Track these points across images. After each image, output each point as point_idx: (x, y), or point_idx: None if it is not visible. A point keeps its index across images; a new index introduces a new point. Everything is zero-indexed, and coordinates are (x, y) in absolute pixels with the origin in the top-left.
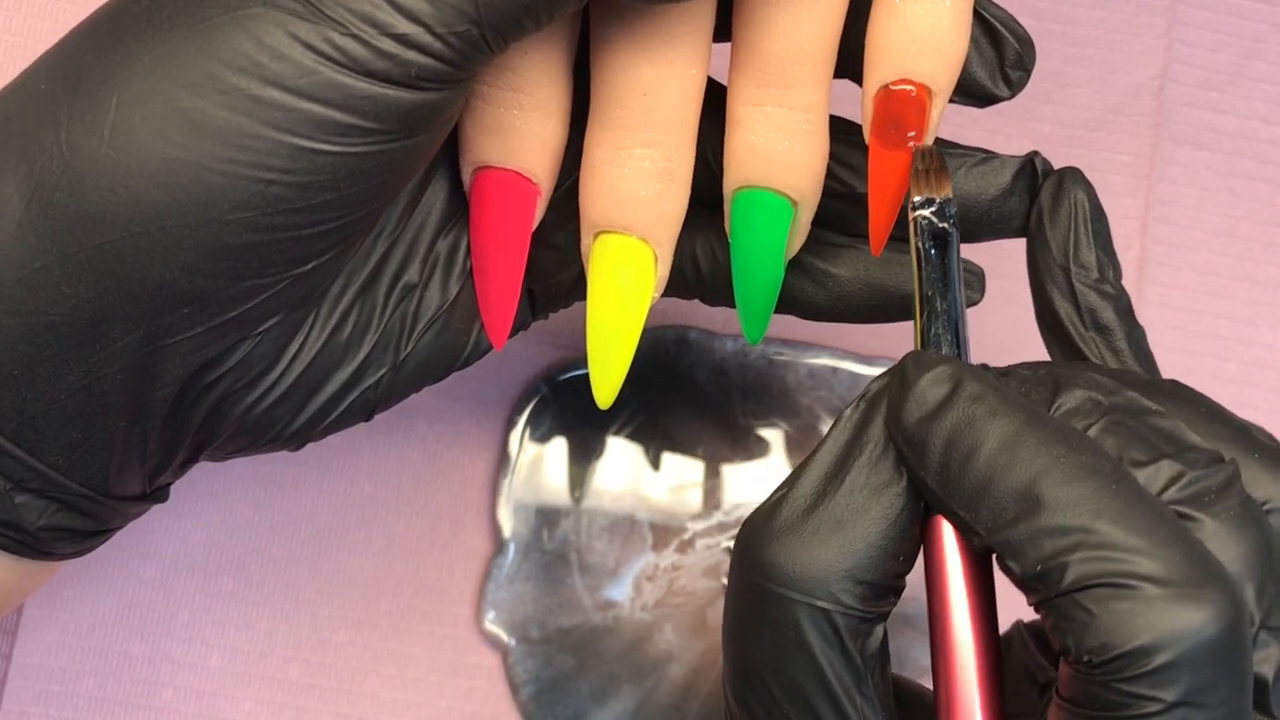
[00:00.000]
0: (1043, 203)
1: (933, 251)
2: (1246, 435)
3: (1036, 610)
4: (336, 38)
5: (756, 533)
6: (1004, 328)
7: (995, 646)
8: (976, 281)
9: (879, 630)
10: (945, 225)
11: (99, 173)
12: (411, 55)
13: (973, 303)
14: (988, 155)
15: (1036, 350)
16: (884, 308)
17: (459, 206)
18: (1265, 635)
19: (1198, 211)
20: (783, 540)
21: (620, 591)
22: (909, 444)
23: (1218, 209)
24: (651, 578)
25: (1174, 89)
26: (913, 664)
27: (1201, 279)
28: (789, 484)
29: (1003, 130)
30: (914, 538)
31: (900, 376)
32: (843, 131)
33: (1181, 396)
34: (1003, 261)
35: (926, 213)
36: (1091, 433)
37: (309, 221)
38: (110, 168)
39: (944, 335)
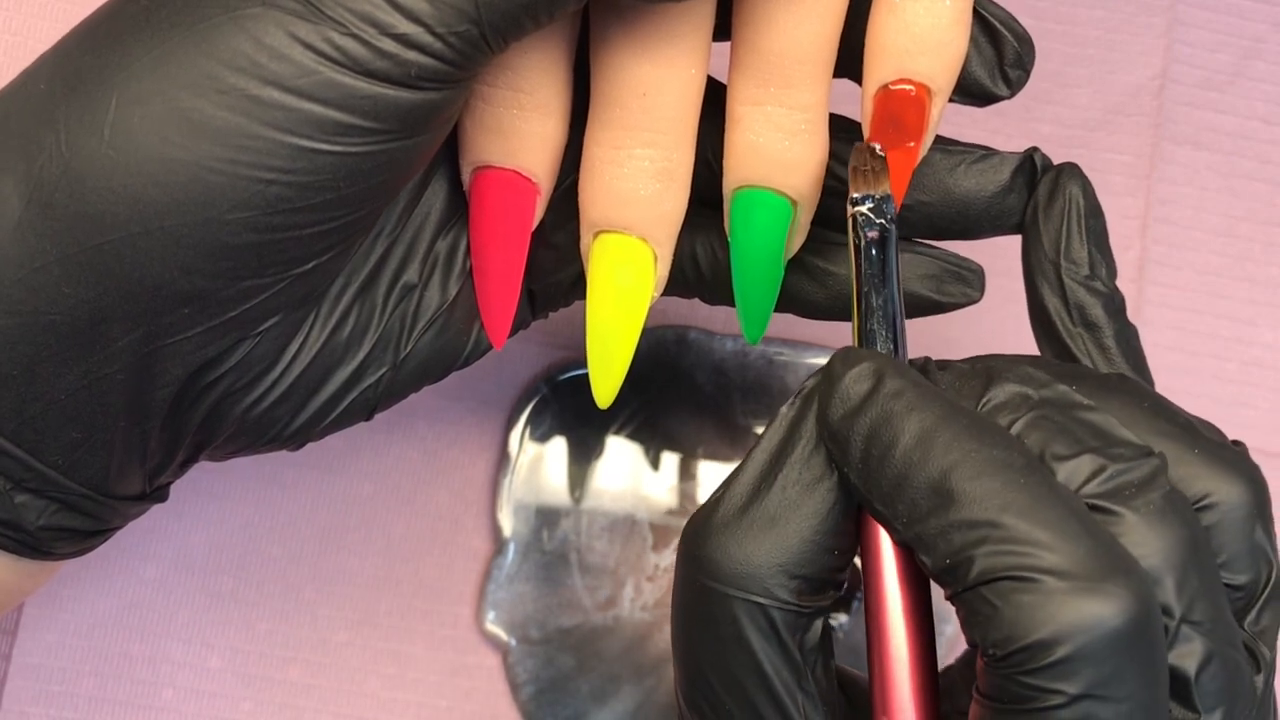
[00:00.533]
0: (1039, 197)
1: (872, 250)
2: (1190, 431)
3: (951, 604)
4: (336, 37)
5: (696, 530)
6: (1003, 327)
7: (929, 639)
8: (976, 280)
9: (818, 625)
10: (882, 221)
11: (98, 173)
12: (412, 55)
13: (972, 301)
14: (987, 152)
15: (1033, 347)
16: None
17: (459, 206)
18: (1187, 629)
19: (1198, 211)
20: (719, 537)
21: (620, 591)
22: (834, 439)
23: (1218, 209)
24: (651, 578)
25: (1174, 89)
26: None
27: (1201, 279)
28: (727, 483)
29: (1003, 130)
30: (849, 533)
31: (828, 373)
32: (842, 130)
33: (1124, 391)
34: (1001, 260)
35: (864, 209)
36: (1016, 427)
37: (309, 221)
38: (109, 168)
39: (880, 331)
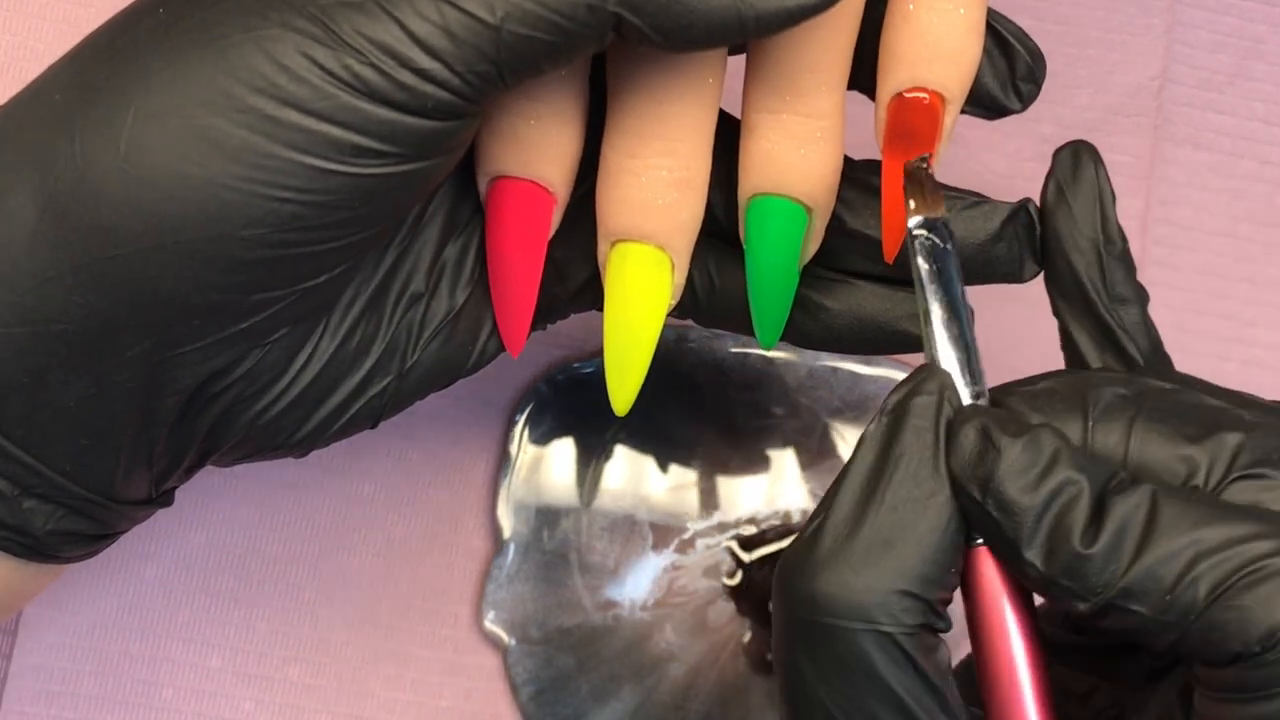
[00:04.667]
0: (1060, 175)
1: (938, 272)
2: (1249, 402)
3: (1169, 647)
4: (355, 65)
5: (799, 567)
6: (1004, 328)
7: (1046, 667)
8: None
9: (944, 646)
10: (946, 245)
11: (114, 186)
12: (429, 89)
13: None
14: (979, 199)
15: (1035, 347)
16: (874, 341)
17: (466, 215)
18: None
19: (1198, 212)
20: (830, 569)
21: (620, 591)
22: (1004, 511)
23: (1218, 209)
24: (651, 578)
25: (1174, 89)
26: None
27: (1201, 279)
28: (822, 512)
29: (1002, 129)
30: (963, 548)
31: (984, 438)
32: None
33: (1180, 377)
34: None
35: (927, 233)
36: (1138, 425)
37: (322, 238)
38: (125, 181)
39: (960, 359)
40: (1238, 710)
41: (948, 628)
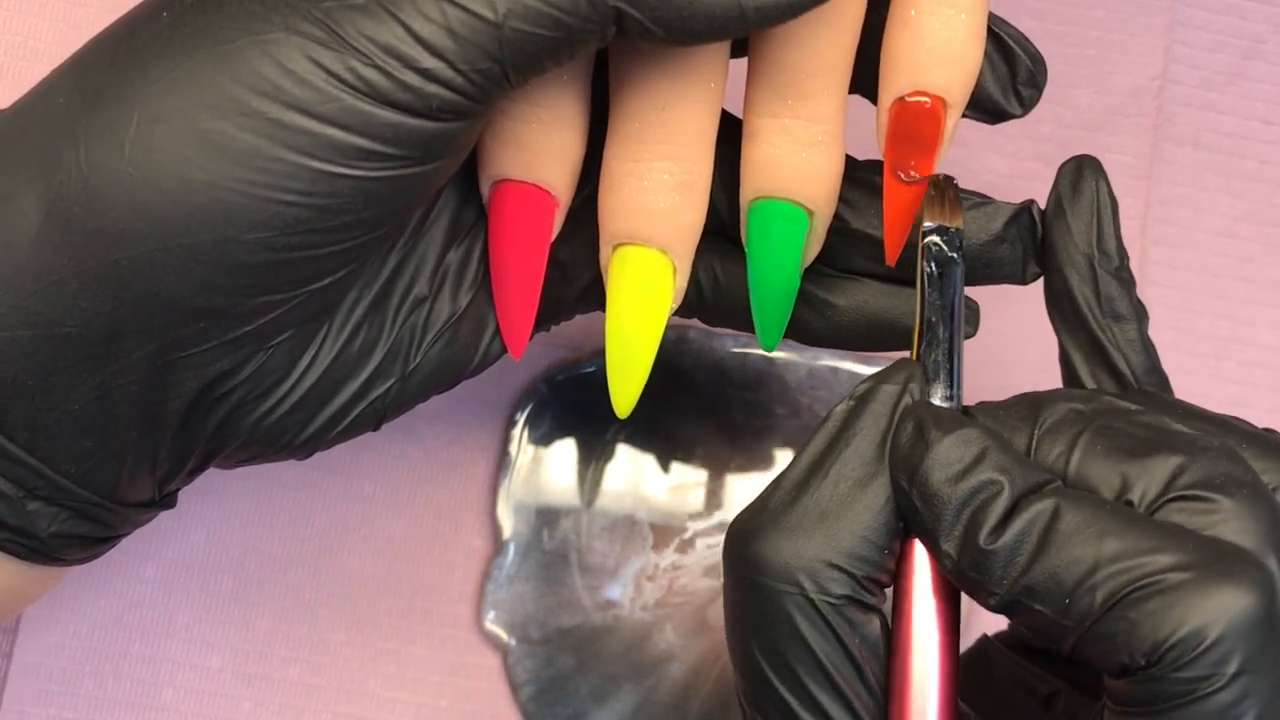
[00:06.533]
0: (1061, 188)
1: (940, 278)
2: (1229, 427)
3: (1073, 651)
4: (359, 67)
5: (742, 529)
6: (1004, 328)
7: (957, 660)
8: (972, 317)
9: (876, 621)
10: (954, 255)
11: (118, 189)
12: (433, 89)
13: (966, 337)
14: (983, 200)
15: (1036, 347)
16: (880, 338)
17: (470, 218)
18: None
19: (1197, 211)
20: (767, 532)
21: (620, 591)
22: (926, 501)
23: (1217, 209)
24: (651, 578)
25: (1174, 89)
26: None
27: (1201, 279)
28: (776, 481)
29: (1003, 130)
30: (898, 530)
31: (918, 430)
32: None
33: (1156, 399)
34: None
35: (937, 239)
36: (1083, 439)
37: (326, 241)
38: (129, 185)
39: (943, 363)
40: None
41: (878, 605)
